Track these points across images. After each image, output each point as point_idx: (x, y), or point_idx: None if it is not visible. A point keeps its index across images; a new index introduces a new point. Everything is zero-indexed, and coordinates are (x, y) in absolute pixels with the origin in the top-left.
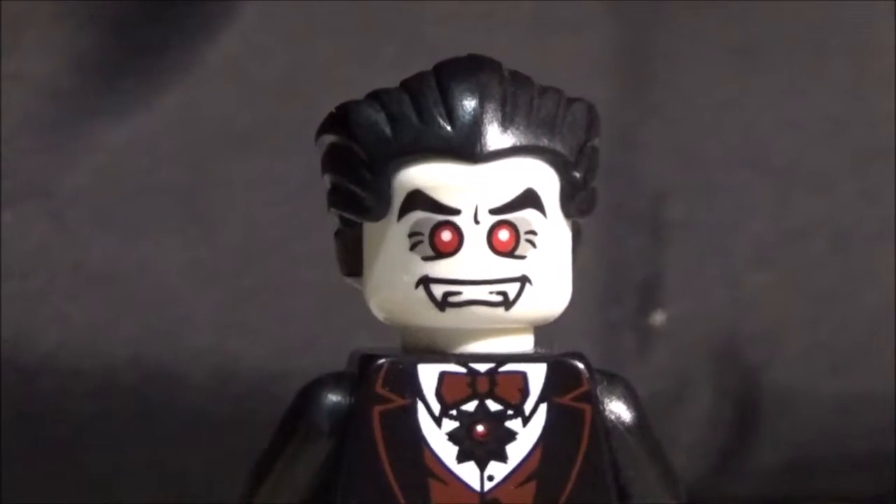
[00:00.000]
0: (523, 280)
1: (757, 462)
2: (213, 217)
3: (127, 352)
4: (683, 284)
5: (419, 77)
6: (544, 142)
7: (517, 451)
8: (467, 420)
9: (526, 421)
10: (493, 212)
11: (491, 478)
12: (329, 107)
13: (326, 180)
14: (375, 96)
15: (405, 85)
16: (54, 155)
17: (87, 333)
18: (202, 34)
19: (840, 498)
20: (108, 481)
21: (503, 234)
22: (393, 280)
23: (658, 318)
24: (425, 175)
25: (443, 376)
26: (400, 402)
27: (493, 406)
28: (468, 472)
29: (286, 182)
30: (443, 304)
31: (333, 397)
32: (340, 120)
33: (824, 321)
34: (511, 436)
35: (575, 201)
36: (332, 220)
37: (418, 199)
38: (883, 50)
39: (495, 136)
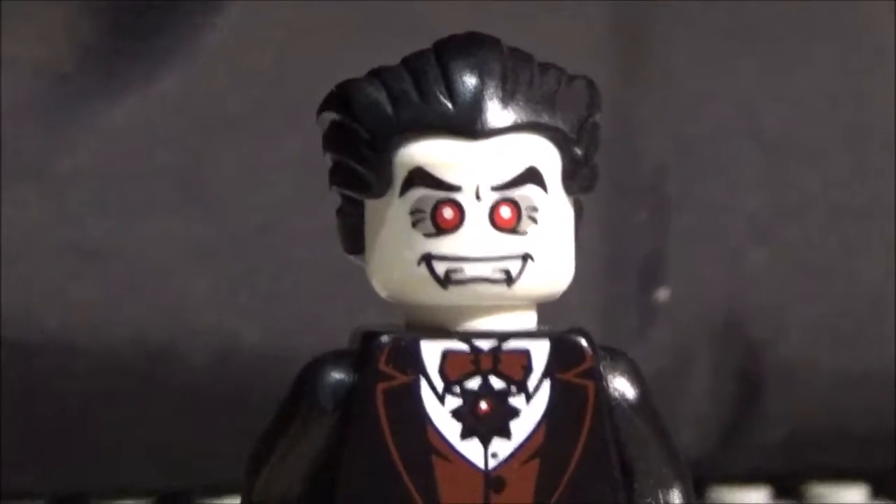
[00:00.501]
0: (525, 257)
1: (759, 437)
2: (212, 197)
3: (127, 332)
4: (685, 261)
5: (419, 54)
6: (545, 118)
7: (521, 427)
8: (471, 397)
9: (529, 398)
10: (495, 188)
11: (495, 455)
12: (326, 87)
13: (328, 158)
14: (376, 74)
15: (405, 62)
16: (52, 137)
17: (86, 314)
18: (199, 17)
19: (844, 474)
20: (109, 461)
21: (505, 211)
22: (395, 257)
23: (661, 294)
24: (426, 152)
25: (446, 353)
26: (403, 379)
27: (496, 383)
28: (472, 450)
29: (286, 161)
30: (445, 281)
31: (336, 375)
32: (341, 98)
33: (825, 296)
34: (514, 413)
35: (576, 178)
36: (333, 199)
37: (419, 176)
38: (877, 24)
39: (496, 113)
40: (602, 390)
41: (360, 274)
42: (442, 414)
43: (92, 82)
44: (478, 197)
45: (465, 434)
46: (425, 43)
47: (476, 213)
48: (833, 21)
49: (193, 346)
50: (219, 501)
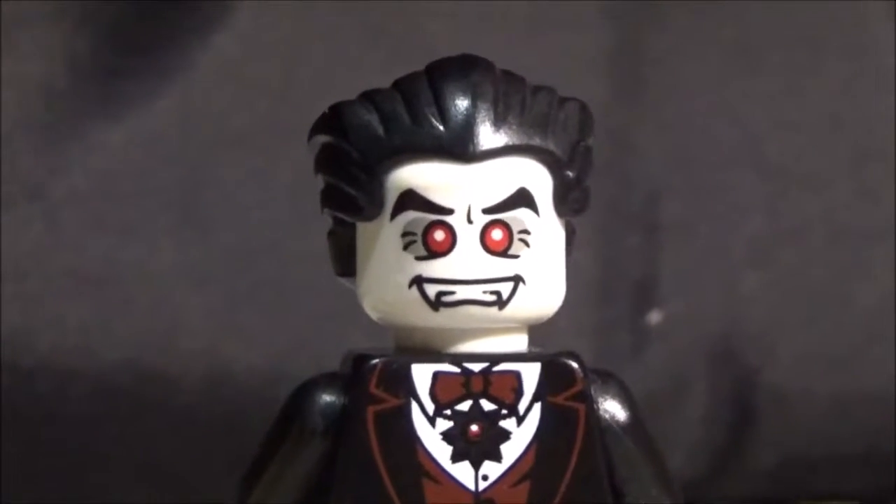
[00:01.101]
0: (517, 279)
1: (753, 462)
2: (207, 219)
3: (121, 354)
4: (679, 284)
5: (412, 77)
6: (537, 141)
7: (511, 450)
8: (461, 420)
9: (520, 420)
10: (486, 211)
11: (485, 477)
12: (322, 108)
13: (319, 180)
14: (368, 96)
15: (398, 85)
16: (49, 156)
17: (81, 336)
18: (197, 36)
19: (837, 497)
20: (103, 483)
21: (496, 234)
22: (386, 280)
23: (654, 317)
24: (418, 175)
25: (437, 376)
26: (394, 402)
27: (487, 406)
28: (462, 472)
29: (280, 183)
30: (436, 303)
31: (327, 397)
32: (333, 120)
33: (820, 321)
34: (505, 435)
35: (568, 200)
36: (325, 221)
37: (411, 199)
38: (879, 49)
39: (488, 136)
40: (593, 413)
41: (352, 296)
42: (432, 436)
43: (89, 101)
44: (469, 220)
45: (456, 456)
46: (424, 63)
47: (467, 236)
48: (835, 45)
49: (187, 369)
50: None
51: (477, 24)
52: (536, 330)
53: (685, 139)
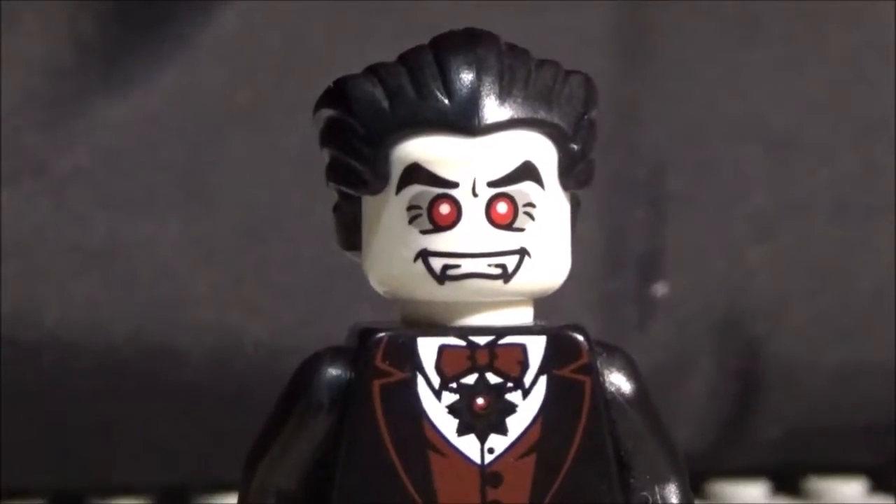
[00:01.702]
0: (522, 252)
1: (758, 433)
2: (212, 194)
3: (127, 329)
4: (684, 257)
5: (416, 51)
6: (542, 114)
7: (517, 423)
8: (467, 393)
9: (526, 393)
10: (492, 184)
11: (491, 450)
12: (326, 83)
13: (324, 155)
14: (373, 70)
15: (402, 59)
16: (54, 133)
17: (87, 311)
18: (200, 12)
19: (842, 468)
20: (108, 458)
21: (501, 207)
22: (392, 254)
23: (660, 289)
24: (423, 148)
25: (442, 349)
26: (400, 375)
27: (492, 379)
28: (468, 445)
29: (285, 158)
30: (442, 277)
31: (333, 371)
32: (338, 94)
33: (825, 293)
34: (511, 408)
35: (573, 173)
36: (331, 195)
37: (416, 173)
38: (882, 21)
39: (493, 109)
40: (598, 386)
41: (357, 270)
42: (438, 410)
43: (93, 78)
44: (474, 193)
45: (462, 430)
46: (428, 37)
47: (473, 210)
48: (841, 18)
49: (194, 344)
50: (219, 498)
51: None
52: (542, 303)
53: (690, 112)
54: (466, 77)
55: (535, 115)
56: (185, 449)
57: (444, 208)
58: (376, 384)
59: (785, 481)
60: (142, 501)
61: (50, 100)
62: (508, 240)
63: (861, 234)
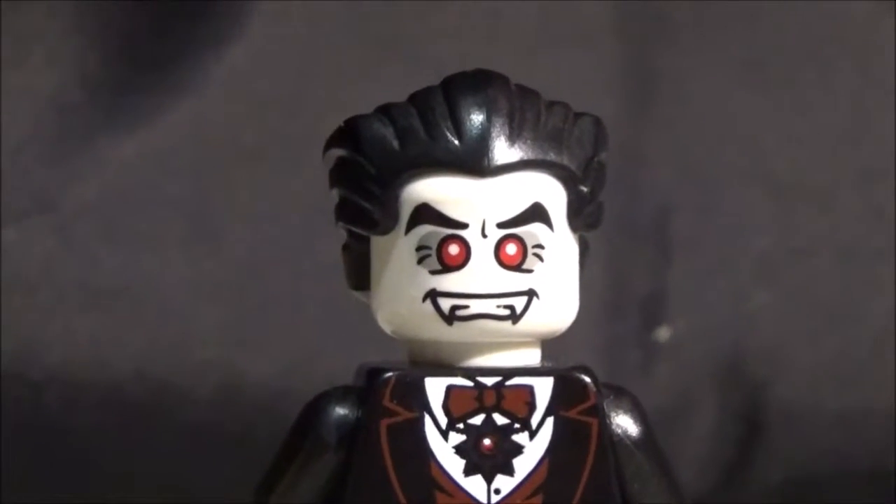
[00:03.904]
0: (530, 294)
1: (761, 477)
2: (218, 232)
3: (132, 366)
4: (688, 300)
5: (427, 91)
6: (552, 156)
7: (524, 464)
8: (474, 433)
9: (533, 434)
10: (501, 226)
11: (498, 491)
12: (335, 122)
13: (334, 194)
14: (383, 110)
15: (413, 99)
16: (61, 169)
17: (92, 348)
18: (209, 50)
19: None
20: (112, 495)
21: (511, 248)
22: (400, 293)
23: (663, 333)
24: (433, 189)
25: (450, 390)
26: (407, 415)
27: (499, 419)
28: (475, 486)
29: (292, 197)
30: (450, 317)
31: (340, 410)
32: (348, 134)
33: (828, 338)
34: (518, 449)
35: (582, 215)
36: (339, 234)
37: (426, 213)
38: (888, 66)
39: (503, 151)
40: (605, 427)
41: (366, 310)
42: (445, 450)
43: (100, 115)
44: (484, 234)
45: (469, 470)
46: (438, 76)
47: (482, 250)
48: (846, 63)
49: (199, 382)
50: None
51: (489, 40)
52: (549, 344)
53: (695, 155)
54: (477, 118)
55: (545, 157)
56: (190, 486)
57: (454, 249)
58: (384, 424)
59: None
60: None
61: (57, 136)
62: (517, 281)
63: (865, 278)
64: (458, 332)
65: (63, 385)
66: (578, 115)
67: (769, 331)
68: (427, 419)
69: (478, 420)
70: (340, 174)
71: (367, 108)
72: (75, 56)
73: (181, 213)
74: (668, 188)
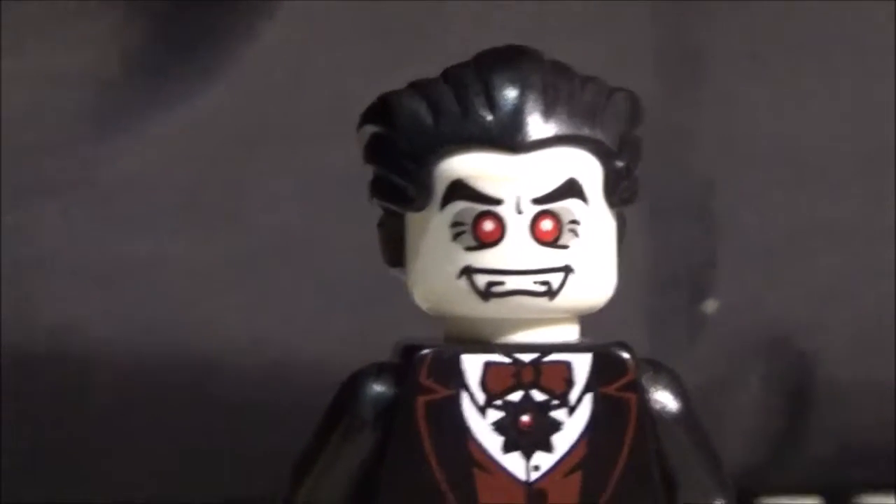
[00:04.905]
0: (566, 269)
1: (808, 450)
2: (256, 209)
3: (172, 346)
4: (733, 274)
5: (460, 67)
6: (586, 131)
7: (563, 441)
8: (512, 410)
9: (571, 411)
10: (536, 201)
11: (536, 468)
12: (368, 100)
13: (369, 171)
14: (417, 86)
15: (446, 75)
16: (100, 146)
17: (126, 327)
18: (244, 29)
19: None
20: (146, 475)
21: (546, 224)
22: (436, 270)
23: (709, 306)
24: (467, 165)
25: (487, 366)
26: (444, 392)
27: (538, 396)
28: (514, 463)
29: (325, 175)
30: (486, 294)
31: (377, 388)
32: (382, 110)
33: (874, 310)
34: (556, 426)
35: (618, 190)
36: (375, 211)
37: (460, 189)
38: None
39: (537, 126)
40: (644, 403)
41: (400, 287)
42: (483, 427)
43: (139, 92)
44: (519, 210)
45: (507, 447)
46: (472, 54)
47: (517, 226)
48: (882, 43)
49: (236, 360)
50: None
51: (527, 17)
52: (588, 320)
53: (736, 132)
54: (510, 94)
55: (579, 132)
56: (224, 467)
57: (489, 225)
58: (421, 401)
59: (835, 499)
60: None
61: (95, 114)
62: (553, 257)
63: None
64: (494, 308)
65: (105, 364)
66: (613, 90)
67: (815, 303)
68: (464, 396)
69: (516, 397)
70: (374, 150)
71: (400, 85)
72: (113, 34)
73: (220, 191)
74: (713, 163)
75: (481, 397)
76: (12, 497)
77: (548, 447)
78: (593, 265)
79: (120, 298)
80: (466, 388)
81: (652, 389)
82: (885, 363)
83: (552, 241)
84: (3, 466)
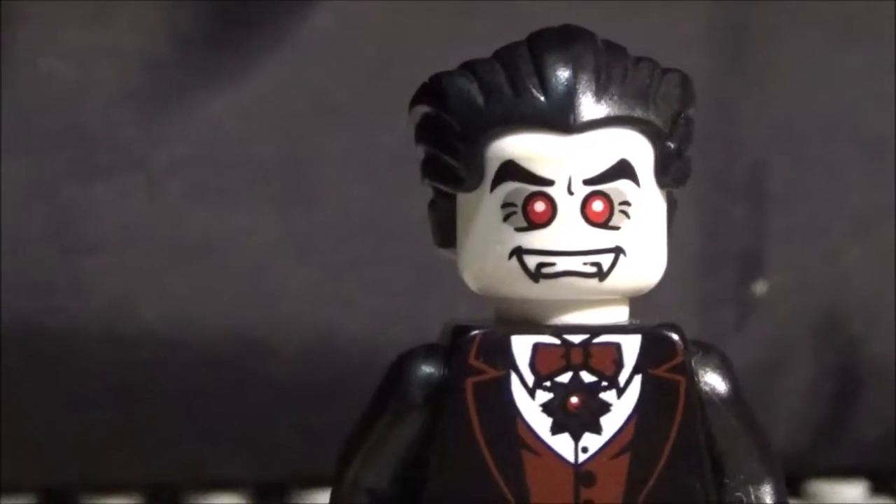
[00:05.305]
0: (617, 251)
1: (857, 433)
2: (309, 189)
3: (223, 324)
4: (783, 255)
5: (512, 47)
6: (638, 112)
7: (612, 422)
8: (561, 391)
9: (620, 392)
10: (587, 182)
11: (585, 449)
12: (422, 80)
13: (420, 151)
14: (468, 67)
15: (498, 55)
16: (151, 127)
17: (184, 306)
18: (297, 8)
19: None
20: (204, 453)
21: (597, 205)
22: (486, 251)
23: (759, 287)
24: (518, 146)
25: (536, 347)
26: (493, 373)
27: (587, 377)
28: (562, 444)
29: (381, 154)
30: (536, 275)
31: (427, 369)
32: (433, 91)
33: None
34: (605, 407)
35: (669, 172)
36: (426, 192)
37: (511, 170)
38: None
39: (589, 107)
40: (693, 385)
41: (453, 267)
42: (532, 408)
43: (191, 72)
44: (570, 191)
45: (556, 429)
46: (526, 34)
47: (568, 207)
48: None
49: (290, 339)
50: (313, 495)
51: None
52: (638, 302)
53: (787, 111)
54: (563, 74)
55: (631, 113)
56: (280, 443)
57: (540, 206)
58: (469, 382)
59: (884, 481)
60: (237, 500)
61: (147, 94)
62: (604, 238)
63: None
64: (544, 289)
65: (155, 343)
66: (665, 71)
67: (864, 286)
68: (514, 377)
69: (565, 378)
70: (425, 131)
71: (454, 65)
72: (164, 14)
73: (270, 172)
74: (764, 144)
75: (530, 379)
76: (101, 476)
77: (596, 429)
78: (644, 247)
79: (175, 279)
80: (516, 369)
81: (701, 371)
82: None
83: (603, 223)
84: (75, 442)
